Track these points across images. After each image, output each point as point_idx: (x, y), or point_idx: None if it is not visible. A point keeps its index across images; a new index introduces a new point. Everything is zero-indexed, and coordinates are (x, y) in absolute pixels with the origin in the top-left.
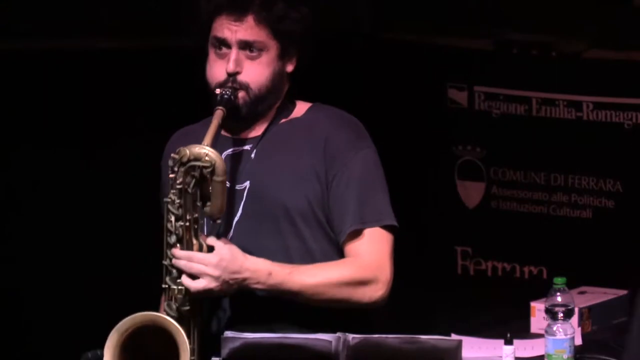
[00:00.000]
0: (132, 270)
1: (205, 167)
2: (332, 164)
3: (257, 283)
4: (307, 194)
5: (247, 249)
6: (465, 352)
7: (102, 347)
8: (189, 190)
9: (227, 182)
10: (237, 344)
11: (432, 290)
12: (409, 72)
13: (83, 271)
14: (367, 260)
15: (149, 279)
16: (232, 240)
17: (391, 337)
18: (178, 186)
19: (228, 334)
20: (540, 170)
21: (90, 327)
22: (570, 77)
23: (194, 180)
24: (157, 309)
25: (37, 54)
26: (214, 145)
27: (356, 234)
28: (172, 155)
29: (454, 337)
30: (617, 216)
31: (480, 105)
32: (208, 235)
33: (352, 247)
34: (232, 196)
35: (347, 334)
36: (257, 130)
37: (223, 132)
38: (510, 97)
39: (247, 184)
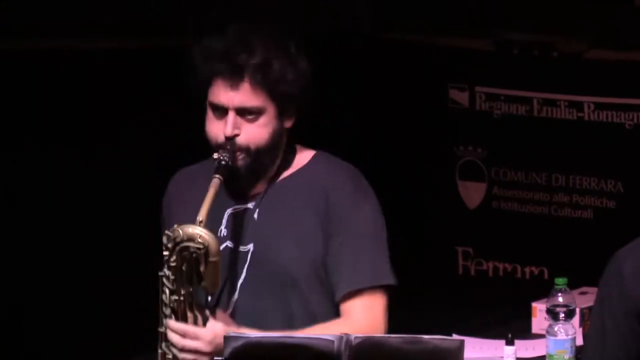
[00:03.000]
0: (131, 270)
1: (199, 249)
2: (331, 222)
3: None
4: (311, 256)
5: (251, 312)
6: (466, 353)
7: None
8: (183, 268)
9: (231, 243)
10: (239, 343)
11: (433, 291)
12: (411, 72)
13: (82, 271)
14: (360, 323)
15: (147, 279)
16: (237, 302)
17: (393, 337)
18: (172, 264)
19: (230, 333)
20: (542, 171)
21: (89, 328)
22: (571, 77)
23: (187, 261)
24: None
25: (37, 54)
26: (213, 206)
27: (351, 294)
28: (167, 232)
29: (455, 337)
30: (618, 216)
31: (481, 106)
32: (212, 299)
33: (346, 308)
34: (235, 258)
35: (349, 333)
36: (259, 188)
37: (225, 191)
38: (512, 98)
39: (250, 246)
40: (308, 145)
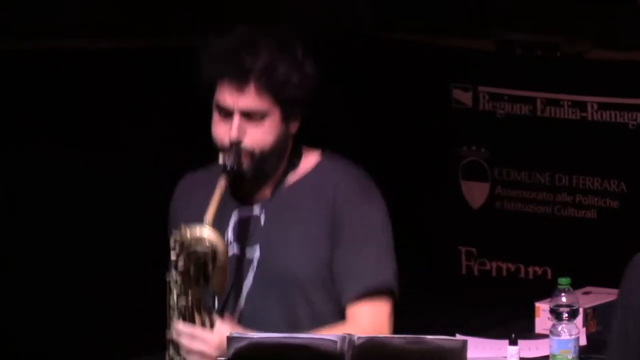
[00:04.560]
0: (134, 270)
1: (207, 252)
2: (337, 227)
3: None
4: (318, 261)
5: (258, 317)
6: (470, 353)
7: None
8: (190, 271)
9: (237, 249)
10: (242, 343)
11: (436, 291)
12: (414, 72)
13: (85, 272)
14: (364, 328)
15: (151, 280)
16: (244, 308)
17: (396, 337)
18: (180, 267)
19: (233, 333)
20: (545, 171)
21: (93, 329)
22: (575, 77)
23: (194, 263)
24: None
25: (37, 54)
26: (219, 210)
27: (357, 299)
28: (174, 231)
29: (458, 337)
30: (622, 216)
31: (484, 106)
32: (219, 303)
33: (352, 312)
34: (242, 264)
35: (352, 334)
36: (265, 193)
37: (231, 194)
38: (515, 98)
39: (257, 252)
40: (311, 146)
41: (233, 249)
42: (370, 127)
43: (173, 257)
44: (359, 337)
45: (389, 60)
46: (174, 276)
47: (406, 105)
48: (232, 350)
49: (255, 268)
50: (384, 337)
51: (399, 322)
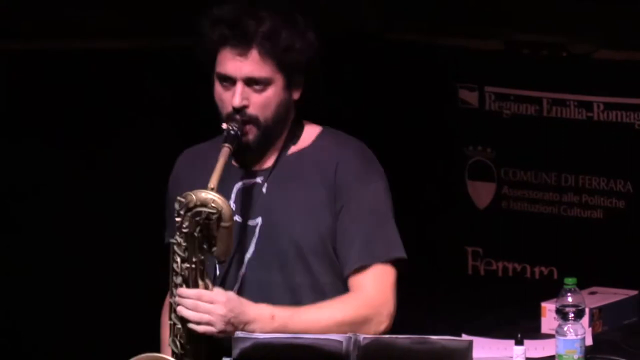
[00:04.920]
0: (134, 271)
1: (212, 214)
2: (340, 195)
3: (262, 327)
4: (319, 229)
5: (259, 286)
6: (475, 353)
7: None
8: (195, 234)
9: (239, 217)
10: (247, 344)
11: (442, 291)
12: (420, 72)
13: (88, 271)
14: (371, 296)
15: (150, 279)
16: (245, 276)
17: (402, 338)
18: (184, 230)
19: (239, 334)
20: (551, 171)
21: (93, 330)
22: (581, 77)
23: (199, 226)
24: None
25: (38, 54)
26: (221, 180)
27: (361, 268)
28: (179, 198)
29: (464, 337)
30: (628, 216)
31: (490, 106)
32: (222, 269)
33: (356, 281)
34: (244, 232)
35: (357, 334)
36: (268, 162)
37: (233, 163)
38: (521, 98)
39: (259, 220)
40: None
41: (235, 219)
42: (376, 127)
43: (178, 220)
44: (364, 338)
45: (395, 61)
46: (178, 240)
47: (412, 105)
48: (237, 351)
49: (257, 235)
50: (389, 337)
51: (405, 322)
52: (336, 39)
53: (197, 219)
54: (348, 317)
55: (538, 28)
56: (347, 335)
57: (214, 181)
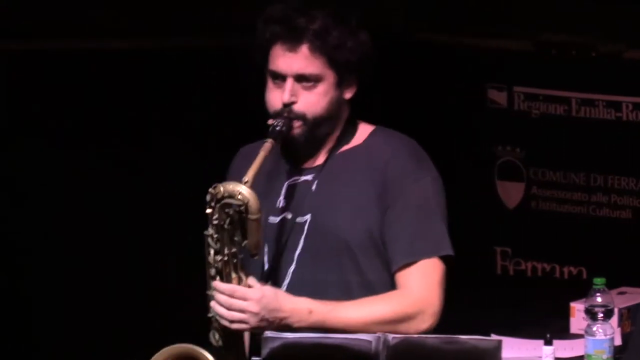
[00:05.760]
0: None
1: (239, 206)
2: (389, 191)
3: (299, 322)
4: (368, 226)
5: (309, 283)
6: (504, 352)
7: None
8: (225, 226)
9: (289, 214)
10: (277, 343)
11: (471, 291)
12: (449, 73)
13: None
14: (415, 294)
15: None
16: (294, 273)
17: (431, 337)
18: (215, 222)
19: (268, 333)
20: (580, 171)
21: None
22: (610, 77)
23: (229, 218)
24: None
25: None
26: (272, 177)
27: (407, 265)
28: (210, 190)
29: (493, 337)
30: None
31: (519, 106)
32: (271, 266)
33: (402, 278)
34: (293, 229)
35: (387, 334)
36: (318, 160)
37: (284, 162)
38: (550, 98)
39: (308, 217)
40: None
41: (285, 215)
42: (405, 128)
43: (208, 211)
44: (393, 337)
45: (424, 61)
46: (210, 231)
47: (442, 105)
48: (266, 350)
49: (305, 233)
50: (418, 337)
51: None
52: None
53: (227, 210)
54: (388, 314)
55: (567, 28)
56: (376, 335)
57: (250, 174)
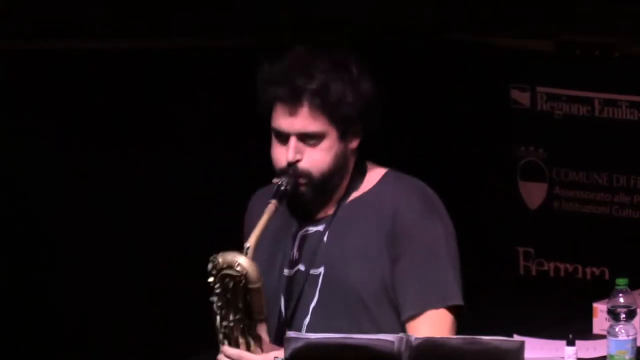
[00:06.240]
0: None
1: (238, 277)
2: (399, 241)
3: None
4: (380, 276)
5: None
6: (527, 353)
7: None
8: (227, 295)
9: (302, 267)
10: (299, 344)
11: (494, 291)
12: (472, 72)
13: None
14: None
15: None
16: (309, 325)
17: (453, 338)
18: (217, 290)
19: (290, 334)
20: (603, 171)
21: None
22: (633, 78)
23: (230, 288)
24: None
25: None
26: (284, 229)
27: (415, 315)
28: (210, 259)
29: (516, 337)
30: None
31: (542, 106)
32: (286, 319)
33: (411, 329)
34: (308, 281)
35: (409, 334)
36: (329, 209)
37: (295, 214)
38: (573, 98)
39: (321, 269)
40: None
41: (299, 268)
42: (427, 127)
43: (210, 280)
44: (416, 338)
45: (447, 61)
46: (214, 299)
47: (464, 105)
48: (289, 351)
49: (320, 285)
50: (441, 337)
51: (456, 322)
52: (387, 39)
53: (226, 280)
54: None
55: (590, 28)
56: (399, 335)
57: (252, 240)
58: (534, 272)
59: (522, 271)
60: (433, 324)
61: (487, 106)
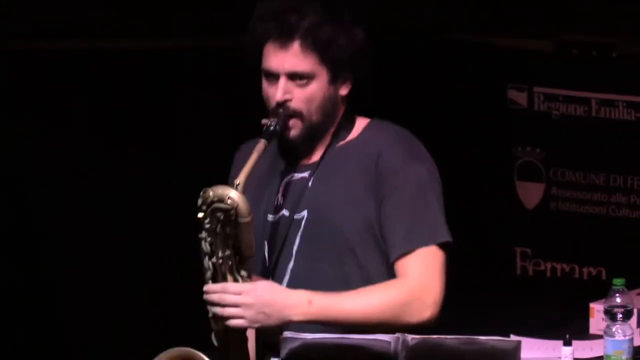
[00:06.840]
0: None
1: (228, 209)
2: (384, 183)
3: (298, 313)
4: (365, 219)
5: (309, 278)
6: (524, 353)
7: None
8: (217, 230)
9: (287, 212)
10: (296, 344)
11: (491, 291)
12: (470, 72)
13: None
14: (414, 281)
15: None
16: (293, 269)
17: (450, 338)
18: (207, 226)
19: (287, 334)
20: (600, 171)
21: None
22: (630, 78)
23: (220, 222)
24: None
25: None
26: (269, 175)
27: (405, 254)
28: (201, 193)
29: (512, 337)
30: None
31: (540, 106)
32: (270, 263)
33: (400, 268)
34: (291, 226)
35: (406, 334)
36: (315, 156)
37: (282, 160)
38: (570, 98)
39: (304, 213)
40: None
41: (283, 213)
42: (425, 127)
43: (200, 215)
44: (412, 338)
45: (444, 60)
46: (203, 235)
47: (462, 105)
48: (285, 351)
49: (302, 229)
50: (437, 337)
51: (453, 322)
52: (386, 39)
53: (217, 214)
54: (388, 302)
55: (588, 28)
56: (396, 335)
57: (241, 177)
58: (530, 272)
59: (519, 271)
60: (424, 261)
61: (484, 106)
